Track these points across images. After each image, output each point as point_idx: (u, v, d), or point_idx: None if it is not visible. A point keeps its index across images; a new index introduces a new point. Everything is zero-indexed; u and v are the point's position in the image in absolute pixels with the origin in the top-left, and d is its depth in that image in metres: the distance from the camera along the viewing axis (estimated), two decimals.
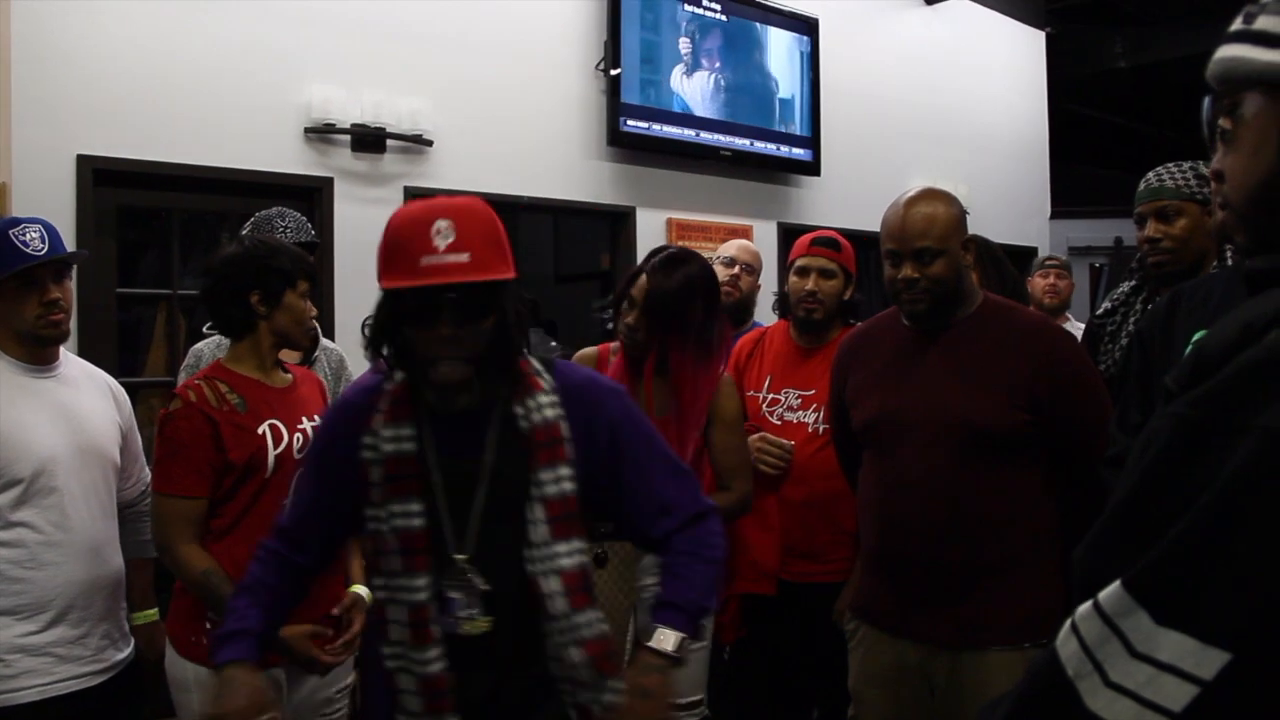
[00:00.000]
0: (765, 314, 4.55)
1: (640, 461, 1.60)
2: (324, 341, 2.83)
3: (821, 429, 2.62)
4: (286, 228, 2.70)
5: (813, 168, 5.73)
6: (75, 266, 2.35)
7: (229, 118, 3.82)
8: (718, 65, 5.29)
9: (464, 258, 1.41)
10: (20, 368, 2.14)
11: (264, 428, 2.10)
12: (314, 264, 2.26)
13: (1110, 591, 0.65)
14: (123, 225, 3.76)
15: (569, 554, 1.51)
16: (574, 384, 1.60)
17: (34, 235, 2.10)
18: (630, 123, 4.89)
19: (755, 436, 2.66)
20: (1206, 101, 0.92)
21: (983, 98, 7.00)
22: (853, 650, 2.21)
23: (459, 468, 1.51)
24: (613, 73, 4.83)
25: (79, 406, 2.20)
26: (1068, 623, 0.68)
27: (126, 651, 2.25)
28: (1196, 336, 1.71)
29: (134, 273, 3.92)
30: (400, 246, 1.43)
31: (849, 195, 5.84)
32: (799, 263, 2.77)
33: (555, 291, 6.50)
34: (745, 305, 3.40)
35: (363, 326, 1.56)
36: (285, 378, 2.25)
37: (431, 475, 1.52)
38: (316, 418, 2.20)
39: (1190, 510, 0.63)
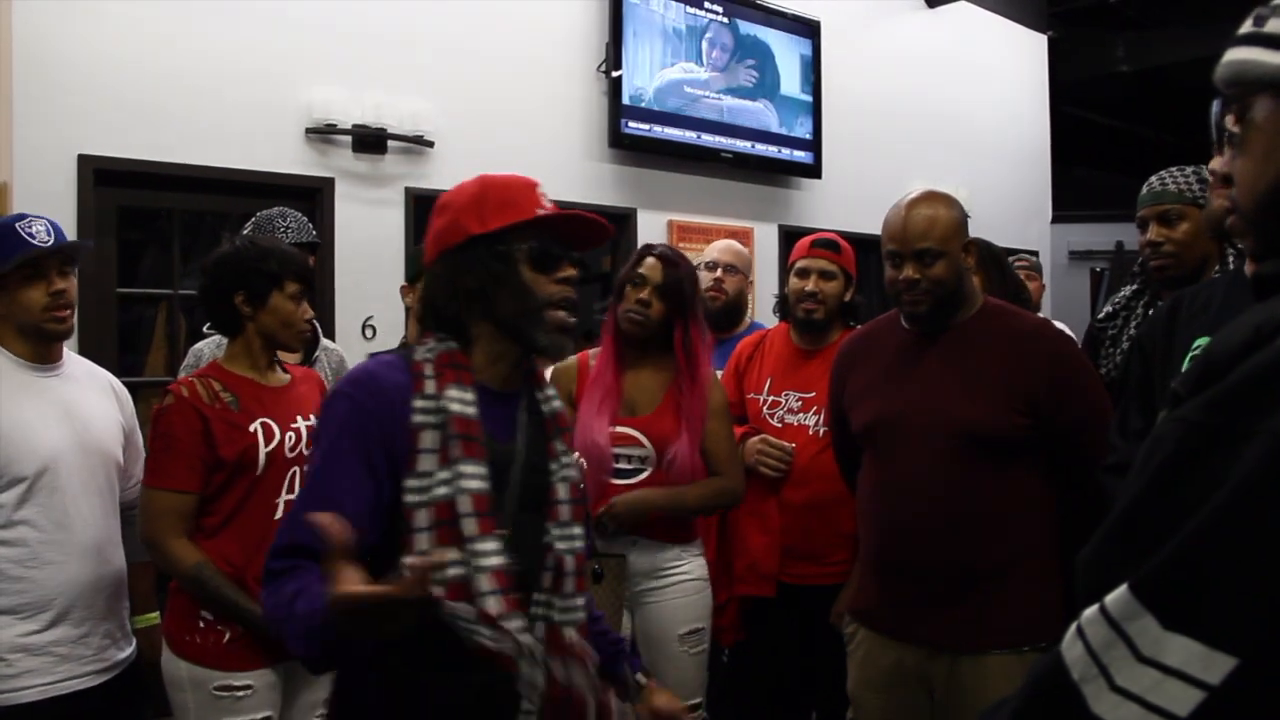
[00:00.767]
0: (765, 315, 4.55)
1: None
2: (324, 342, 2.82)
3: (822, 431, 2.61)
4: (288, 228, 2.70)
5: (814, 170, 5.74)
6: (77, 265, 2.35)
7: (230, 118, 3.82)
8: (719, 67, 5.30)
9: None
10: (24, 366, 2.14)
11: (256, 425, 2.11)
12: (310, 266, 2.25)
13: (1117, 595, 0.65)
14: (123, 225, 3.76)
15: (580, 537, 1.54)
16: None
17: (40, 228, 2.11)
18: (631, 125, 4.89)
19: (756, 439, 2.66)
20: (1215, 104, 0.91)
21: (984, 101, 7.01)
22: (851, 654, 2.21)
23: (497, 445, 1.48)
24: (614, 75, 4.84)
25: (82, 405, 2.20)
26: (1073, 626, 0.68)
27: (128, 651, 2.25)
28: (1197, 343, 1.70)
29: (134, 273, 3.92)
30: (513, 196, 1.49)
31: (850, 198, 5.85)
32: (799, 264, 2.77)
33: None
34: (736, 306, 3.32)
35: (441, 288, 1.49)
36: (282, 377, 2.26)
37: (491, 447, 1.46)
38: (313, 417, 2.20)
39: (1198, 514, 0.63)
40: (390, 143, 4.21)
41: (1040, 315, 4.41)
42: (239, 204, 3.83)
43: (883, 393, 2.14)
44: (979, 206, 5.89)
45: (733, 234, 5.28)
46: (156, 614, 2.40)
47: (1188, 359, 1.69)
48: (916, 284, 2.04)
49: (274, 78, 3.94)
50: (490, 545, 1.38)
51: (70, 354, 2.29)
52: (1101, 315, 2.70)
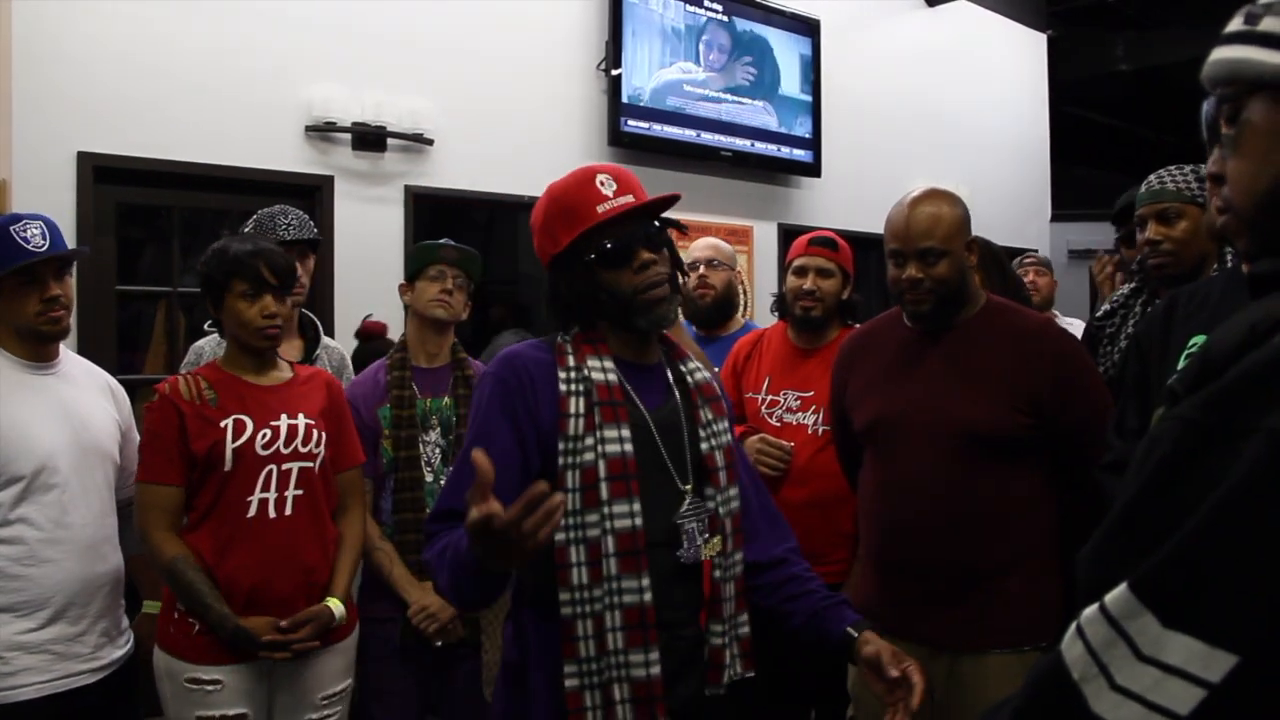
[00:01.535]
0: (764, 314, 4.55)
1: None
2: (325, 340, 2.82)
3: (821, 430, 2.61)
4: (289, 225, 2.69)
5: (813, 169, 5.74)
6: (75, 263, 2.35)
7: (229, 116, 3.82)
8: (719, 66, 5.29)
9: (630, 199, 1.56)
10: (21, 365, 2.15)
11: (227, 421, 2.12)
12: (280, 262, 2.18)
13: (1117, 594, 0.64)
14: (123, 223, 3.76)
15: (736, 498, 1.64)
16: None
17: (35, 232, 2.11)
18: (631, 123, 4.89)
19: (755, 438, 2.65)
20: (1208, 104, 0.91)
21: (984, 100, 7.00)
22: None
23: (657, 410, 1.59)
24: (613, 73, 4.83)
25: (79, 404, 2.20)
26: (1073, 625, 0.68)
27: (125, 649, 2.25)
28: (1194, 341, 1.70)
29: (134, 270, 3.92)
30: (573, 205, 1.55)
31: (850, 197, 5.85)
32: (797, 263, 2.77)
33: None
34: (728, 299, 3.26)
35: (554, 303, 1.62)
36: (278, 375, 2.26)
37: (637, 412, 1.56)
38: (305, 416, 2.20)
39: (1197, 512, 0.63)
40: (390, 141, 4.21)
41: (1052, 312, 4.45)
42: (238, 202, 3.82)
43: (884, 391, 2.14)
44: (978, 205, 5.86)
45: (732, 232, 5.29)
46: (159, 603, 2.41)
47: (1184, 357, 1.69)
48: (920, 283, 2.03)
49: (274, 75, 3.93)
50: (622, 508, 1.48)
51: (67, 352, 2.29)
52: (1100, 314, 2.70)
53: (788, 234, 5.41)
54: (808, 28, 5.72)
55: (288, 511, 2.14)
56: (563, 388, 1.52)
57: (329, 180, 4.08)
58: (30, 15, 3.40)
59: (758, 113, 5.45)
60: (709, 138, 5.21)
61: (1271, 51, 0.82)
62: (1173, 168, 2.38)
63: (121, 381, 2.45)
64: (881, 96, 6.24)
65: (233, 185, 3.85)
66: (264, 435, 2.14)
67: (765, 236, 5.62)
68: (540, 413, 1.51)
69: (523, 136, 4.60)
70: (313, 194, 4.03)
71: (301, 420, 2.19)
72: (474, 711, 2.52)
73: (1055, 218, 7.62)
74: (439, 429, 2.56)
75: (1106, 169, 9.27)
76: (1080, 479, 1.97)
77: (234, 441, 2.11)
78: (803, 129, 5.68)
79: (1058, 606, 1.98)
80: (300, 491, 2.16)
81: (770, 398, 2.73)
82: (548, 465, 1.50)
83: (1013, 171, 7.20)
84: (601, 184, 1.55)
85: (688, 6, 5.15)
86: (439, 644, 2.46)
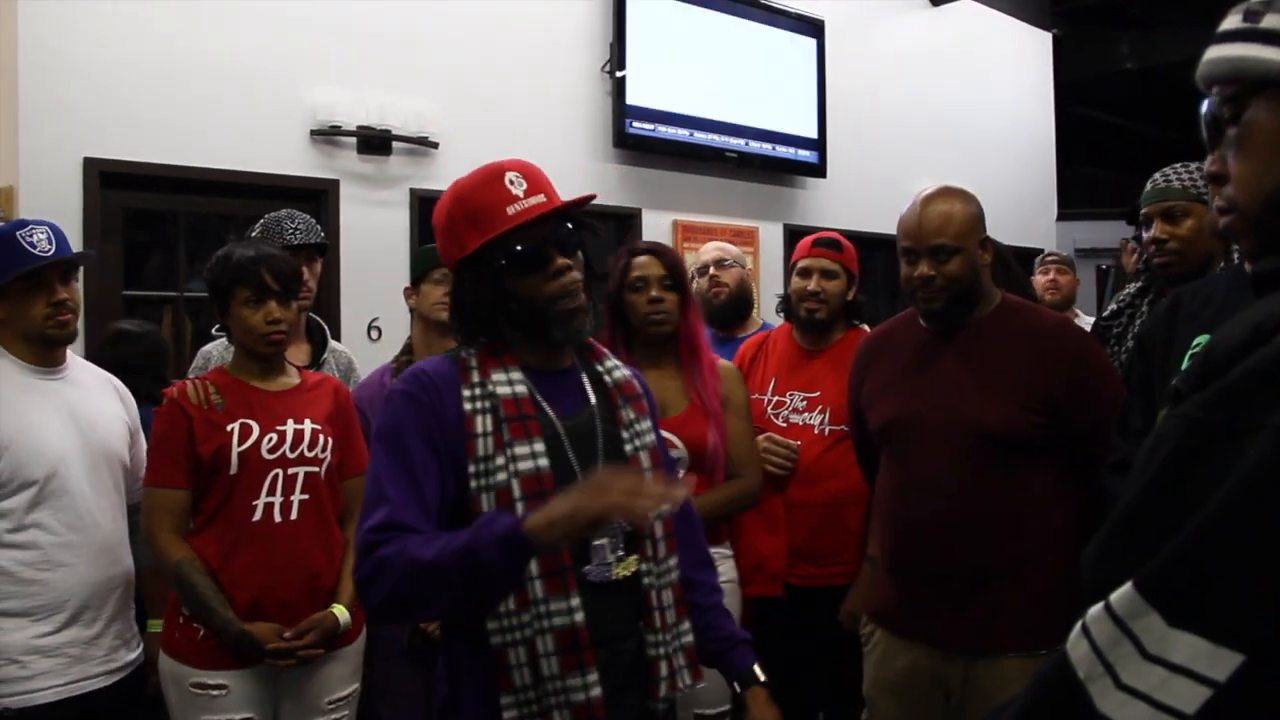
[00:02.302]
0: (769, 315, 4.54)
1: None
2: (332, 344, 2.83)
3: (828, 430, 2.61)
4: (295, 229, 2.70)
5: (818, 169, 5.73)
6: (82, 268, 2.36)
7: (235, 120, 3.83)
8: (724, 67, 5.29)
9: (542, 199, 1.47)
10: (28, 369, 2.15)
11: (234, 425, 2.12)
12: (285, 268, 2.18)
13: (1122, 593, 0.64)
14: (129, 227, 3.77)
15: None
16: None
17: (41, 236, 2.12)
18: (636, 124, 4.89)
19: (761, 437, 2.65)
20: (1210, 102, 0.90)
21: (989, 99, 6.99)
22: (868, 654, 2.19)
23: (571, 418, 1.50)
24: (618, 75, 4.84)
25: (88, 407, 2.21)
26: (1079, 624, 0.68)
27: (137, 652, 2.26)
28: (1197, 340, 1.69)
29: (140, 275, 3.93)
30: (482, 207, 1.46)
31: (855, 197, 5.84)
32: (801, 264, 2.76)
33: None
34: (742, 297, 3.26)
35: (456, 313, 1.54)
36: (286, 381, 2.26)
37: (549, 423, 1.48)
38: (312, 421, 2.20)
39: (1202, 510, 0.62)
40: (395, 144, 4.22)
41: (1073, 310, 4.43)
42: (244, 206, 3.84)
43: (899, 392, 2.13)
44: (984, 204, 5.84)
45: (737, 233, 5.28)
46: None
47: (1187, 356, 1.68)
48: (932, 280, 2.02)
49: (278, 80, 3.94)
50: None
51: (74, 356, 2.30)
52: (1106, 313, 2.69)
53: (793, 234, 5.41)
54: (812, 28, 5.71)
55: (293, 516, 2.14)
56: (467, 407, 1.44)
57: (334, 184, 4.09)
58: (38, 21, 3.41)
59: (762, 113, 5.45)
60: (714, 139, 5.21)
61: (1275, 49, 0.81)
62: (1178, 165, 2.37)
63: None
64: (886, 96, 6.23)
65: (238, 190, 3.86)
66: (270, 440, 2.14)
67: (771, 237, 5.62)
68: (449, 433, 1.43)
69: (527, 139, 4.60)
70: (318, 198, 4.04)
71: (308, 425, 2.19)
72: None
73: (1061, 217, 7.61)
74: None
75: (1112, 168, 9.25)
76: (1093, 479, 1.96)
77: (240, 445, 2.11)
78: (807, 129, 5.67)
79: (1074, 608, 1.96)
80: (306, 496, 2.16)
81: (776, 399, 2.73)
82: (460, 489, 1.42)
83: (1018, 171, 7.19)
84: (511, 183, 1.46)
85: (692, 7, 5.15)
86: None
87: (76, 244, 2.91)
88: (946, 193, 2.07)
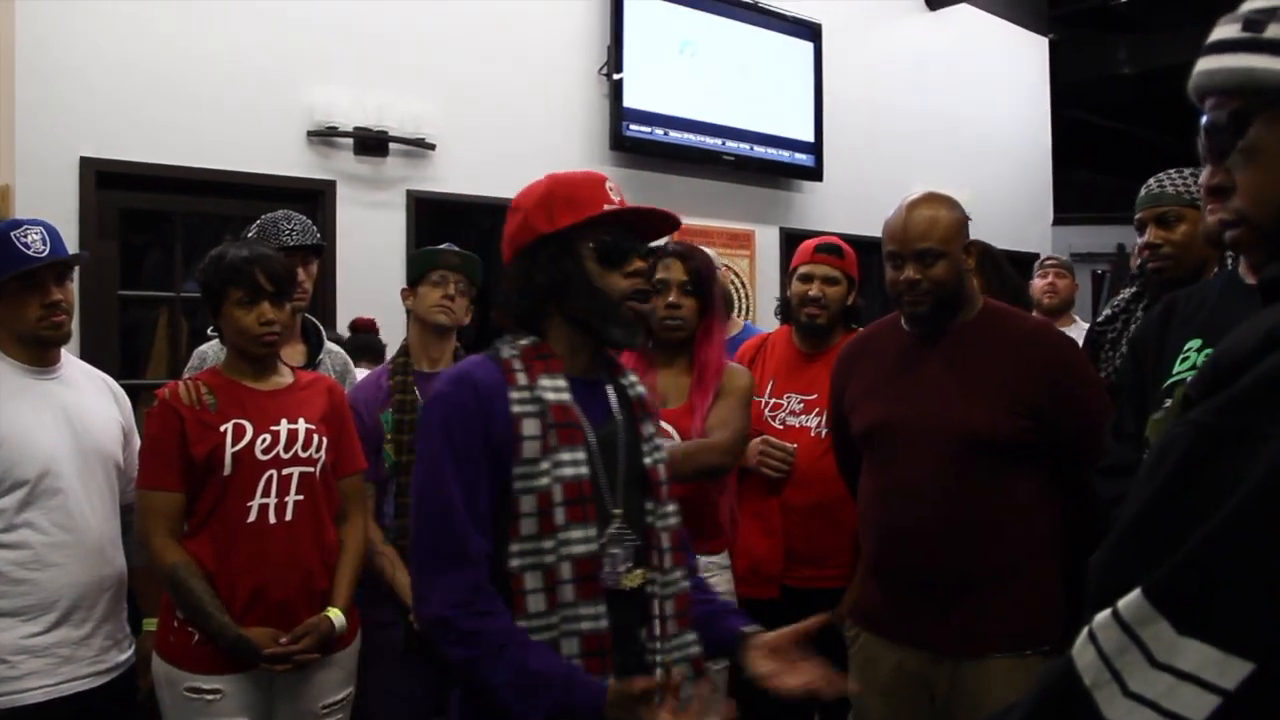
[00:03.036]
0: (767, 318, 4.55)
1: None
2: (328, 345, 2.81)
3: (824, 433, 2.61)
4: (292, 230, 2.69)
5: (815, 173, 5.74)
6: (77, 268, 2.35)
7: (232, 121, 3.82)
8: (721, 70, 5.29)
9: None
10: (22, 369, 2.15)
11: (227, 425, 2.11)
12: (278, 269, 2.17)
13: (1130, 600, 0.64)
14: (125, 228, 3.76)
15: (675, 514, 1.60)
16: None
17: (35, 237, 2.11)
18: (633, 127, 4.89)
19: (758, 440, 2.65)
20: (1213, 115, 0.88)
21: (985, 104, 7.00)
22: (853, 656, 2.20)
23: (601, 428, 1.55)
24: (615, 77, 4.84)
25: (81, 408, 2.20)
26: (1084, 631, 0.67)
27: (128, 652, 2.25)
28: (1188, 345, 1.69)
29: (136, 275, 3.92)
30: (583, 194, 1.52)
31: (851, 200, 5.84)
32: (802, 269, 2.77)
33: None
34: (724, 297, 3.28)
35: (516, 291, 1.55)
36: (279, 381, 2.24)
37: (588, 431, 1.52)
38: (306, 421, 2.19)
39: (1213, 518, 0.62)
40: (392, 145, 4.21)
41: (1071, 314, 4.44)
42: (241, 207, 3.83)
43: (883, 396, 2.14)
44: (980, 209, 5.86)
45: (734, 237, 5.29)
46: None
47: (1178, 361, 1.68)
48: (917, 284, 2.03)
49: (275, 80, 3.94)
50: (577, 534, 1.45)
51: (68, 356, 2.29)
52: (1101, 318, 2.69)
53: (790, 238, 5.41)
54: (809, 31, 5.72)
55: (288, 517, 2.13)
56: (515, 409, 1.47)
57: (331, 185, 4.08)
58: (34, 21, 3.40)
59: (759, 117, 5.45)
60: (711, 142, 5.21)
61: None
62: (1172, 171, 2.37)
63: (123, 387, 2.44)
64: (883, 100, 6.24)
65: (235, 190, 3.85)
66: (264, 440, 2.13)
67: (767, 241, 5.62)
68: (493, 435, 1.45)
69: (524, 141, 4.61)
70: (315, 199, 4.03)
71: (302, 425, 2.18)
72: None
73: (1057, 221, 7.62)
74: None
75: (1108, 172, 9.27)
76: (1079, 483, 1.96)
77: (233, 446, 2.10)
78: (804, 133, 5.67)
79: (1058, 610, 1.97)
80: (301, 497, 2.15)
81: (774, 401, 2.73)
82: (502, 488, 1.46)
83: (1015, 175, 7.20)
84: (610, 189, 1.54)
85: (689, 10, 5.15)
86: None
87: (72, 244, 2.91)
88: (931, 198, 2.09)
